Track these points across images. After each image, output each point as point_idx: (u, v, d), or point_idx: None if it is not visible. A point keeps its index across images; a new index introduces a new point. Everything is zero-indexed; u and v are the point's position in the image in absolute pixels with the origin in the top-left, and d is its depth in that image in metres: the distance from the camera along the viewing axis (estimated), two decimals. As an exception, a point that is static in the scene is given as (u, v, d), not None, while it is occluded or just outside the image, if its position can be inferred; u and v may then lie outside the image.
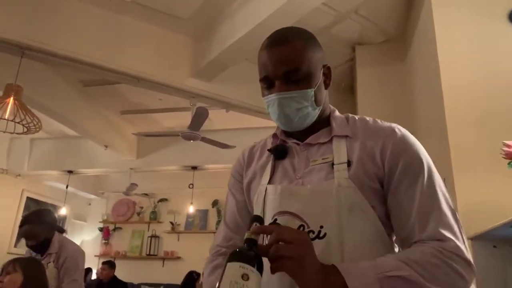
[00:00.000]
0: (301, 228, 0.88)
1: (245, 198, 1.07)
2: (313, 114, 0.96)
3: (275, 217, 0.92)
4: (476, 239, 1.99)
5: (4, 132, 3.23)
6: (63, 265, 2.53)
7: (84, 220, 8.26)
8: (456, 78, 2.53)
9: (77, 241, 6.69)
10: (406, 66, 3.67)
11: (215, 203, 7.40)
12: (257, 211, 0.98)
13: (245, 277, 0.71)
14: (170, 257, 7.43)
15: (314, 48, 0.96)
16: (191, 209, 7.16)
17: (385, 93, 3.71)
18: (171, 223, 7.63)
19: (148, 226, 7.80)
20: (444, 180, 2.53)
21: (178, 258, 7.40)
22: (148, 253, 7.57)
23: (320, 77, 0.97)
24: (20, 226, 2.60)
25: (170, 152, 6.28)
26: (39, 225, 2.55)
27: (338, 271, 0.78)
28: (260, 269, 0.74)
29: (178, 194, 7.51)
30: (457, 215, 0.85)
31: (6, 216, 6.35)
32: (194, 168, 6.47)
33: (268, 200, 0.95)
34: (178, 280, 5.43)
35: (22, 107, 3.13)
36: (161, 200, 7.83)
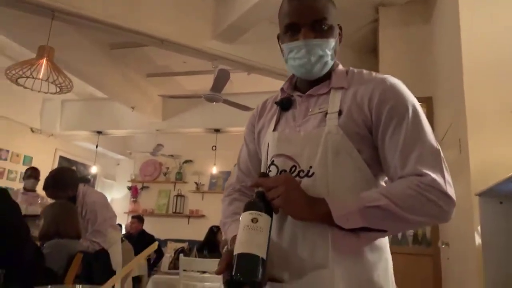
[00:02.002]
0: (293, 168, 1.00)
1: (256, 147, 1.20)
2: (329, 64, 1.06)
3: (273, 159, 1.05)
4: (483, 195, 2.06)
5: (39, 91, 3.43)
6: (85, 216, 2.73)
7: (113, 179, 8.66)
8: (476, 40, 2.53)
9: (108, 190, 7.04)
10: (430, 28, 3.62)
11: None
12: (263, 155, 1.12)
13: (254, 220, 0.88)
14: (195, 215, 7.76)
15: (333, 4, 1.07)
16: (214, 170, 7.39)
17: (407, 55, 3.69)
18: (196, 183, 7.92)
19: (174, 186, 8.12)
20: (459, 140, 2.59)
21: (202, 216, 7.72)
22: (174, 211, 7.92)
23: (337, 32, 1.07)
24: (44, 189, 2.77)
25: (194, 115, 6.45)
26: (60, 187, 2.70)
27: (325, 201, 0.92)
28: (268, 212, 0.90)
29: (202, 156, 7.73)
30: (441, 154, 0.94)
31: (42, 173, 6.73)
32: (217, 130, 6.64)
33: (270, 145, 1.08)
34: (202, 237, 5.71)
35: (55, 68, 3.31)
36: (186, 162, 8.09)
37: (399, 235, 3.56)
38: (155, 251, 5.75)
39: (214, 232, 4.84)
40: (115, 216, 2.95)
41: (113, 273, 2.37)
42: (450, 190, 0.90)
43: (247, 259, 0.85)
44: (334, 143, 0.97)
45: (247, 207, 0.92)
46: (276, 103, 1.14)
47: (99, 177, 8.10)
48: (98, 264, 2.20)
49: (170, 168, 8.23)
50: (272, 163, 1.06)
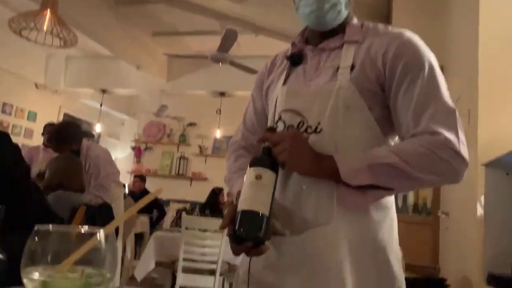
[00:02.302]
0: (301, 124, 0.98)
1: (263, 104, 1.17)
2: (343, 14, 1.01)
3: (280, 114, 1.03)
4: (489, 166, 2.05)
5: (42, 44, 3.37)
6: (88, 170, 2.73)
7: (117, 138, 8.68)
8: (495, 12, 2.47)
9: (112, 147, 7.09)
10: (446, -6, 3.50)
11: (241, 129, 7.56)
12: (270, 111, 1.09)
13: (258, 177, 0.87)
14: (198, 178, 7.82)
15: None
16: (218, 135, 7.38)
17: (421, 22, 3.58)
18: (199, 146, 7.93)
19: (177, 148, 8.14)
20: (468, 111, 2.56)
21: (205, 179, 7.78)
22: (177, 172, 7.98)
23: None
24: (48, 142, 2.76)
25: (199, 76, 6.37)
26: (64, 141, 2.68)
27: (332, 158, 0.90)
28: (274, 169, 0.88)
29: (206, 119, 7.69)
30: (457, 113, 0.90)
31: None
32: (222, 94, 6.58)
33: (278, 100, 1.05)
34: (204, 199, 5.80)
35: (59, 21, 3.23)
36: (190, 124, 8.06)
37: (400, 202, 3.59)
38: (158, 210, 5.84)
39: (216, 193, 4.91)
40: (118, 172, 2.96)
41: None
42: (464, 150, 0.88)
43: (250, 216, 0.84)
44: (345, 98, 0.94)
45: (252, 163, 0.90)
46: (287, 57, 1.10)
47: (103, 135, 8.12)
48: (101, 218, 2.22)
49: (174, 130, 8.22)
50: (280, 118, 1.03)
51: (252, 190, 0.87)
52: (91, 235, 0.52)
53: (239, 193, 0.93)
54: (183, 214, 3.20)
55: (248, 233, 0.84)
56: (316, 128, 0.96)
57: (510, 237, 2.04)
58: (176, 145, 8.13)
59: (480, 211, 2.34)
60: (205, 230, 3.30)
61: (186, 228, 3.16)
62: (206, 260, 3.19)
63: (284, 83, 1.07)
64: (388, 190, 0.91)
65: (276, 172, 0.90)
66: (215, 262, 3.15)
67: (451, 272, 2.81)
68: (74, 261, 0.51)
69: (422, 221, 3.71)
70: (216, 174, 7.51)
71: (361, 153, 0.91)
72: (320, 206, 0.92)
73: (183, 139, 8.08)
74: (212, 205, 4.74)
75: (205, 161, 7.93)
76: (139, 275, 3.23)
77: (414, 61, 0.93)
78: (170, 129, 8.25)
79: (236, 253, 0.89)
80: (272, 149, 0.91)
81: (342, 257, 0.89)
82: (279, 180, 0.92)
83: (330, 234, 0.90)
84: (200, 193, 6.89)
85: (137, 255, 5.19)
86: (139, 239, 5.26)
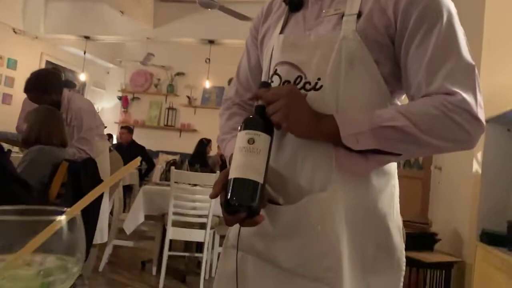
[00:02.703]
0: (298, 79, 0.87)
1: (258, 57, 1.05)
2: None
3: (276, 67, 0.91)
4: (491, 122, 1.97)
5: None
6: (70, 123, 2.59)
7: (103, 88, 8.42)
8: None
9: (96, 107, 6.90)
10: None
11: (230, 81, 7.37)
12: (265, 64, 0.97)
13: (251, 141, 0.77)
14: (187, 129, 7.72)
15: None
16: (207, 85, 7.19)
17: None
18: (188, 97, 7.76)
19: (166, 98, 7.96)
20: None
21: (195, 130, 7.69)
22: (165, 123, 7.86)
23: None
24: (25, 91, 2.57)
25: (187, 23, 6.07)
26: (43, 90, 2.50)
27: (332, 118, 0.79)
28: (268, 131, 0.79)
29: (194, 68, 7.47)
30: (476, 71, 0.79)
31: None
32: (211, 42, 6.31)
33: (274, 51, 0.93)
34: (192, 149, 5.75)
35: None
36: (178, 74, 7.84)
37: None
38: (146, 162, 5.77)
39: (204, 144, 4.82)
40: (102, 125, 2.83)
41: (101, 182, 2.31)
42: (481, 114, 0.77)
43: (243, 184, 0.76)
44: (349, 51, 0.82)
45: (244, 125, 0.81)
46: (285, 1, 0.96)
47: (88, 85, 7.85)
48: (85, 173, 2.13)
49: (162, 79, 8.00)
50: (275, 72, 0.91)
51: (244, 156, 0.78)
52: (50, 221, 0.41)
53: (232, 157, 0.83)
54: (172, 168, 3.11)
55: (241, 203, 0.76)
56: (315, 84, 0.85)
57: (507, 195, 2.00)
58: (164, 96, 7.95)
59: (476, 167, 2.29)
60: (194, 185, 3.24)
61: (176, 183, 3.10)
62: (196, 214, 3.15)
63: (281, 31, 0.94)
64: (394, 156, 0.81)
65: (271, 134, 0.80)
66: (205, 216, 3.12)
67: (441, 227, 2.82)
68: (31, 251, 0.41)
69: (413, 175, 3.70)
70: (205, 125, 7.44)
71: (365, 113, 0.81)
72: (317, 171, 0.83)
73: (171, 89, 7.88)
74: (201, 156, 4.66)
75: (195, 112, 7.80)
76: (128, 228, 3.20)
77: (430, 9, 0.79)
78: (157, 78, 8.02)
79: (229, 223, 0.80)
80: (266, 108, 0.81)
81: (338, 227, 0.82)
82: (273, 142, 0.83)
83: (326, 202, 0.82)
84: (189, 145, 6.82)
85: (126, 207, 5.19)
86: (128, 190, 5.23)
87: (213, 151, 6.35)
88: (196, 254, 3.34)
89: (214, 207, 3.11)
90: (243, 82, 1.09)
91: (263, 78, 0.97)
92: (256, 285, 0.89)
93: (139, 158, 0.50)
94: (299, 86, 0.86)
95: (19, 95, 3.77)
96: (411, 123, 0.76)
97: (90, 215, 2.20)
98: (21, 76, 6.36)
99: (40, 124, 2.13)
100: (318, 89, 0.84)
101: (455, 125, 0.76)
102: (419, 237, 2.50)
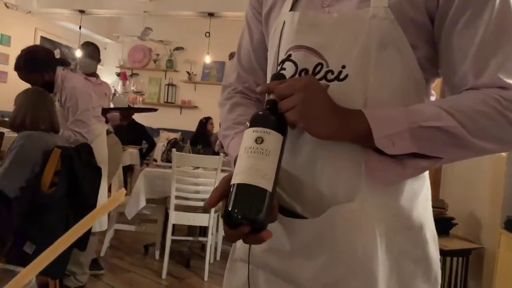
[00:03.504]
0: (319, 67, 0.71)
1: (262, 34, 0.88)
2: None
3: (290, 52, 0.75)
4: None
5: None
6: (65, 103, 2.43)
7: (100, 64, 8.18)
8: None
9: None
10: None
11: (232, 56, 7.15)
12: (272, 46, 0.80)
13: (259, 140, 0.64)
14: (187, 106, 7.54)
15: None
16: (207, 60, 6.96)
17: None
18: (188, 72, 7.54)
19: (165, 74, 7.75)
20: None
21: (195, 107, 7.52)
22: (165, 100, 7.67)
23: None
24: (15, 69, 2.40)
25: (186, -5, 5.80)
26: (33, 68, 2.33)
27: (362, 114, 0.64)
28: (280, 129, 0.66)
29: (194, 43, 7.22)
30: None
31: (22, 55, 6.27)
32: (211, 14, 6.05)
33: (285, 32, 0.76)
34: (195, 127, 5.60)
35: None
36: (177, 49, 7.60)
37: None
38: (147, 141, 5.62)
39: (203, 123, 4.66)
40: (99, 106, 2.66)
41: (97, 168, 2.17)
42: None
43: (248, 192, 0.62)
44: (381, 32, 0.67)
45: (252, 122, 0.68)
46: None
47: (85, 61, 7.62)
48: (79, 159, 1.98)
49: (161, 55, 7.76)
50: (288, 58, 0.75)
51: (250, 158, 0.63)
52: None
53: (237, 159, 0.69)
54: (173, 151, 2.96)
55: (245, 215, 0.61)
56: (339, 73, 0.69)
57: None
58: (163, 72, 7.73)
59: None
60: (196, 168, 3.10)
61: (177, 167, 2.96)
62: (200, 198, 3.03)
63: (293, 7, 0.77)
64: (433, 160, 0.66)
65: (284, 133, 0.66)
66: (209, 200, 2.99)
67: (456, 210, 2.69)
68: None
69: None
70: (206, 102, 7.26)
71: (400, 109, 0.65)
72: (341, 177, 0.69)
73: (170, 65, 7.66)
74: (203, 137, 4.51)
75: (195, 88, 7.60)
76: (130, 213, 3.09)
77: None
78: (156, 53, 7.78)
79: (230, 238, 0.66)
80: (279, 103, 0.66)
81: (371, 243, 0.68)
82: (288, 140, 0.68)
83: (355, 214, 0.68)
84: (190, 122, 6.66)
85: (127, 188, 5.08)
86: (129, 171, 5.10)
87: (215, 128, 6.22)
88: (200, 238, 3.24)
89: (218, 190, 2.98)
90: (245, 65, 0.92)
91: (271, 65, 0.80)
92: None
93: (123, 192, 0.34)
94: (319, 76, 0.71)
95: (15, 72, 3.59)
96: (458, 123, 0.62)
97: (88, 202, 2.08)
98: (16, 53, 6.13)
99: (27, 107, 1.97)
100: (342, 79, 0.69)
101: (509, 125, 0.62)
102: (436, 223, 2.37)
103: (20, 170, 1.85)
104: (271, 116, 0.67)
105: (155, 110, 2.79)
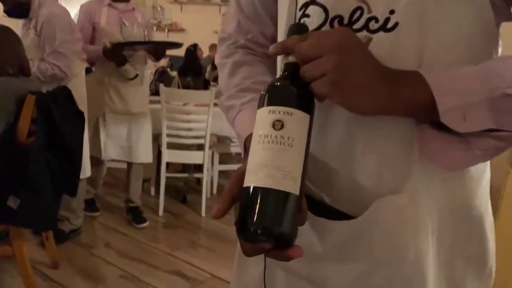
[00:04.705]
0: (358, 13, 0.52)
1: None
2: None
3: None
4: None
5: None
6: (41, 32, 2.16)
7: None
8: None
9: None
10: None
11: (220, -30, 6.59)
12: None
13: (277, 124, 0.47)
14: (174, 28, 7.13)
15: None
16: (193, -24, 6.42)
17: None
18: (173, -8, 7.01)
19: (148, -5, 7.20)
20: None
21: (182, 30, 7.14)
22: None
23: None
24: None
25: None
26: None
27: (420, 78, 0.47)
28: (305, 106, 0.48)
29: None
30: None
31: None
32: None
33: None
34: (183, 52, 5.28)
35: None
36: (160, -35, 6.97)
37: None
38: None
39: (191, 51, 4.36)
40: (80, 40, 2.38)
41: (79, 113, 1.99)
42: None
43: (267, 199, 0.46)
44: None
45: (264, 99, 0.50)
46: None
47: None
48: (56, 105, 1.79)
49: (142, -28, 7.13)
50: (313, 0, 0.55)
51: (268, 151, 0.47)
52: None
53: (249, 139, 0.52)
54: (161, 86, 2.76)
55: (265, 230, 0.46)
56: (385, 21, 0.51)
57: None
58: (146, -8, 7.17)
59: None
60: (185, 104, 2.92)
61: (166, 102, 2.78)
62: (192, 135, 2.90)
63: None
64: (509, 141, 0.50)
65: (311, 111, 0.49)
66: (202, 137, 2.87)
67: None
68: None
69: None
70: (193, 24, 6.87)
71: (472, 69, 0.48)
72: (388, 162, 0.53)
73: (153, -16, 7.08)
74: (192, 66, 4.23)
75: (181, 9, 7.13)
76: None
77: None
78: (137, -29, 7.16)
79: (247, 254, 0.52)
80: (301, 68, 0.48)
81: (422, 243, 0.55)
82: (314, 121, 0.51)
83: (405, 210, 0.53)
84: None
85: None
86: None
87: (204, 53, 5.92)
88: (196, 175, 3.17)
89: (212, 126, 2.85)
90: (247, 10, 0.72)
91: (286, 11, 0.60)
92: None
93: None
94: (358, 25, 0.52)
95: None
96: None
97: (72, 150, 1.93)
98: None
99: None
100: (390, 30, 0.51)
101: None
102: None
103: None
104: (292, 88, 0.49)
105: (180, 45, 2.47)
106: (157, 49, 2.64)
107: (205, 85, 3.86)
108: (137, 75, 2.48)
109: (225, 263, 2.27)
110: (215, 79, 5.56)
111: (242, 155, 0.56)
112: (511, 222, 1.75)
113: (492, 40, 0.55)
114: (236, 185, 0.50)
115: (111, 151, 2.71)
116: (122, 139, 2.71)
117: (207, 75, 5.43)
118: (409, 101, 0.47)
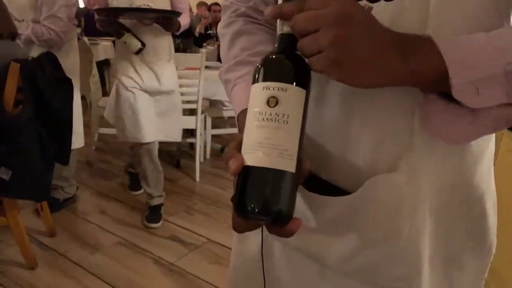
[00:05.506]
0: None
1: None
2: None
3: None
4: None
5: None
6: None
7: None
8: None
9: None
10: None
11: None
12: None
13: (272, 101, 0.46)
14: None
15: None
16: None
17: None
18: None
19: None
20: None
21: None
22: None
23: None
24: None
25: None
26: None
27: (431, 46, 0.43)
28: (302, 82, 0.47)
29: None
30: None
31: None
32: None
33: None
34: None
35: None
36: None
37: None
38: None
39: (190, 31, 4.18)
40: (74, 5, 2.28)
41: (67, 80, 1.92)
42: None
43: (263, 178, 0.46)
44: None
45: (258, 74, 0.48)
46: None
47: None
48: (43, 73, 1.73)
49: None
50: None
51: (263, 129, 0.46)
52: None
53: (244, 113, 0.51)
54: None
55: (263, 209, 0.46)
56: None
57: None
58: None
59: None
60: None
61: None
62: (184, 100, 2.84)
63: None
64: None
65: (307, 86, 0.47)
66: (194, 102, 2.82)
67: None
68: None
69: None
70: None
71: (485, 39, 0.44)
72: (386, 138, 0.52)
73: None
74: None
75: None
76: (111, 117, 2.90)
77: None
78: None
79: (240, 230, 0.51)
80: (298, 42, 0.45)
81: (419, 222, 0.54)
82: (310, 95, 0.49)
83: (402, 188, 0.52)
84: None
85: (105, 85, 4.81)
86: (105, 66, 4.78)
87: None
88: (188, 140, 3.14)
89: (203, 90, 2.79)
90: None
91: None
92: (291, 277, 0.65)
93: None
94: None
95: None
96: None
97: (61, 118, 1.89)
98: None
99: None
100: None
101: None
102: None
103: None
104: (287, 62, 0.47)
105: (179, 14, 2.25)
106: (159, 20, 2.30)
107: (197, 45, 3.75)
108: (141, 48, 2.17)
109: (221, 227, 2.30)
110: (208, 38, 5.41)
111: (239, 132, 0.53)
112: (502, 191, 1.77)
113: (503, 8, 0.51)
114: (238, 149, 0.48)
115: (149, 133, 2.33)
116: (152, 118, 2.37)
117: (197, 31, 5.30)
118: (419, 72, 0.44)
